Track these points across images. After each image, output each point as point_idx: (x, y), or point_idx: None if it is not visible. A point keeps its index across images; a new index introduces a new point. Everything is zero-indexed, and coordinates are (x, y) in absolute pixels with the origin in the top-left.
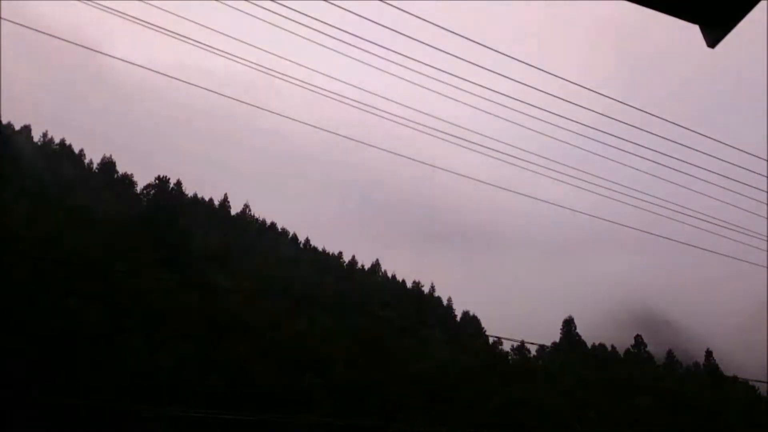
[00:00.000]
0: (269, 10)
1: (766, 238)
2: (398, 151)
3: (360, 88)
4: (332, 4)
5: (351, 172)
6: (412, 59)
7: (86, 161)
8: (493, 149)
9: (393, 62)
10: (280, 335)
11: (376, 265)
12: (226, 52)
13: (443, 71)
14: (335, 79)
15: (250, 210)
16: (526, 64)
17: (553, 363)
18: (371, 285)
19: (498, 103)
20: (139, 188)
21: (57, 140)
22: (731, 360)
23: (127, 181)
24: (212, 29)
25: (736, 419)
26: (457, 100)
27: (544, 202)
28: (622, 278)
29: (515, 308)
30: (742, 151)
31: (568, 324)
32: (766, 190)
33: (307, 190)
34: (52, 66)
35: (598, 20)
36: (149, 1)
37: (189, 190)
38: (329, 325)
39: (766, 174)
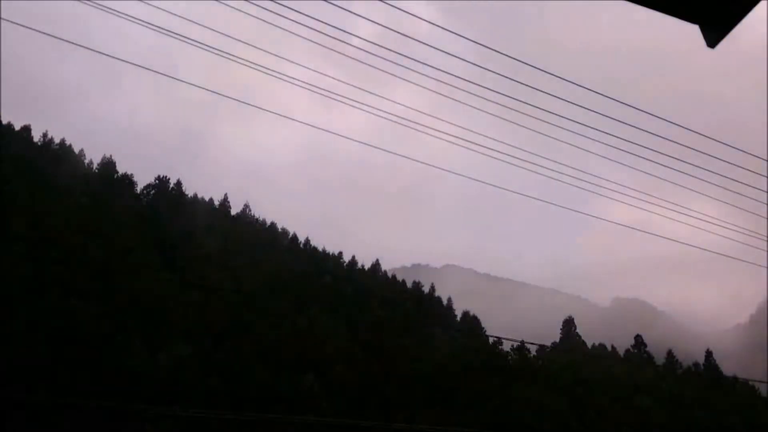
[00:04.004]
0: (269, 10)
1: (766, 238)
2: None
3: (361, 88)
4: (332, 4)
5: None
6: (412, 59)
7: (86, 161)
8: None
9: (394, 63)
10: (280, 335)
11: (376, 265)
12: (226, 52)
13: (441, 70)
14: (335, 78)
15: (250, 210)
16: (526, 63)
17: (553, 363)
18: (371, 285)
19: (504, 105)
20: (139, 188)
21: (57, 140)
22: (731, 360)
23: (127, 181)
24: (212, 29)
25: (736, 419)
26: (455, 100)
27: (548, 204)
28: (623, 277)
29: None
30: (742, 151)
31: (568, 324)
32: (766, 190)
33: (308, 189)
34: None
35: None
36: (149, 1)
37: (189, 190)
38: (329, 325)
39: (766, 174)
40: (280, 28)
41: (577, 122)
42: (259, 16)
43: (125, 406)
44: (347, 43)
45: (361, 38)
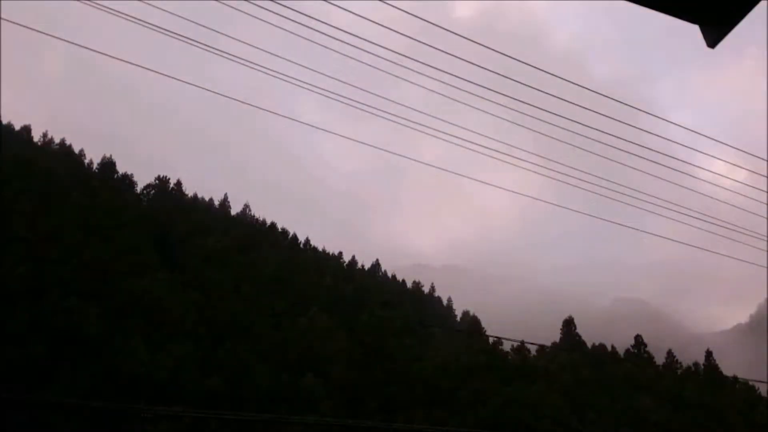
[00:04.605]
0: (266, 9)
1: (766, 238)
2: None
3: (356, 86)
4: (332, 4)
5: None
6: (404, 55)
7: (86, 161)
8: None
9: (386, 59)
10: (280, 335)
11: (376, 265)
12: (226, 52)
13: (431, 67)
14: (333, 78)
15: (250, 210)
16: (524, 63)
17: (553, 363)
18: (371, 285)
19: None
20: (139, 188)
21: (57, 140)
22: (731, 360)
23: (127, 181)
24: (213, 29)
25: (736, 419)
26: (453, 98)
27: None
28: (623, 277)
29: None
30: (742, 151)
31: (568, 324)
32: (766, 190)
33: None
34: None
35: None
36: (149, 2)
37: (189, 190)
38: (329, 325)
39: (766, 174)
40: (278, 27)
41: (593, 127)
42: (257, 15)
43: (125, 406)
44: (348, 44)
45: (365, 39)
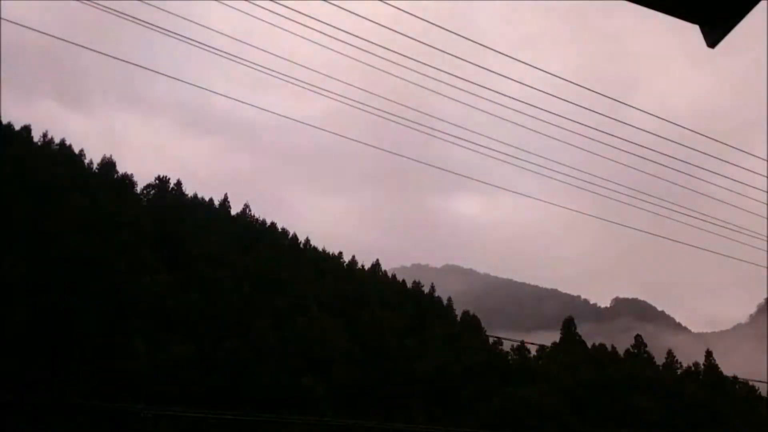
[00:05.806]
0: (265, 9)
1: (766, 238)
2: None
3: (360, 88)
4: (332, 4)
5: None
6: (409, 58)
7: (86, 161)
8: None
9: (389, 61)
10: (280, 335)
11: (376, 265)
12: (225, 51)
13: (432, 67)
14: (334, 78)
15: (250, 210)
16: (526, 63)
17: (553, 363)
18: (371, 285)
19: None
20: (139, 188)
21: (57, 140)
22: (731, 360)
23: (127, 181)
24: (211, 29)
25: (736, 419)
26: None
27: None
28: (623, 277)
29: None
30: (741, 150)
31: (568, 324)
32: (766, 190)
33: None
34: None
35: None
36: (148, 1)
37: (189, 190)
38: (329, 325)
39: (766, 174)
40: (278, 26)
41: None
42: (256, 15)
43: (125, 406)
44: (350, 45)
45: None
